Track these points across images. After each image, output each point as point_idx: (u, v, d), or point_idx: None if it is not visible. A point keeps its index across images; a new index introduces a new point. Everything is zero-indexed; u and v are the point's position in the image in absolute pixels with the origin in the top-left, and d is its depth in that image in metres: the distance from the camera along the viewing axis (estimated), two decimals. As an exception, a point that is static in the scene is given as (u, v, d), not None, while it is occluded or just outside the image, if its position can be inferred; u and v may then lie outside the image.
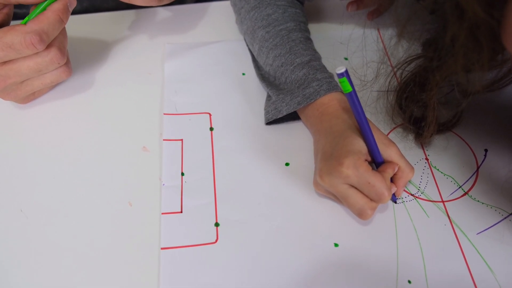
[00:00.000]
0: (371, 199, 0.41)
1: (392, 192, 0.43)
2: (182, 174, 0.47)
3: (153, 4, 0.51)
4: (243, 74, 0.56)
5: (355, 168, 0.40)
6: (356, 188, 0.41)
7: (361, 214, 0.41)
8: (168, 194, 0.46)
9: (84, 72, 0.56)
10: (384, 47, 0.56)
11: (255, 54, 0.54)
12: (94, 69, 0.56)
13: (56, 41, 0.46)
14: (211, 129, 0.51)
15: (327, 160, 0.42)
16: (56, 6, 0.44)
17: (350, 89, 0.38)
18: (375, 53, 0.51)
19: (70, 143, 0.49)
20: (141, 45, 0.59)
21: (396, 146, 0.43)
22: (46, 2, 0.44)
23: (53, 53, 0.45)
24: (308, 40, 0.52)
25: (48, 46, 0.45)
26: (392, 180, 0.43)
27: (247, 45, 0.57)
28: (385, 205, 0.45)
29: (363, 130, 0.41)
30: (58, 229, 0.43)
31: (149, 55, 0.58)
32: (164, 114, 0.52)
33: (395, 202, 0.45)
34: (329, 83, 0.47)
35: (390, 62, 0.53)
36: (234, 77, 0.56)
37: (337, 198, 0.43)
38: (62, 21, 0.45)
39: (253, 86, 0.54)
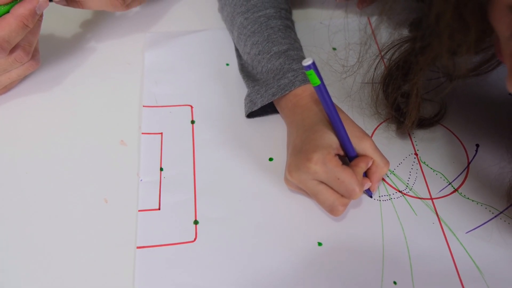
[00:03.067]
0: (341, 195, 0.39)
1: (367, 187, 0.41)
2: (161, 169, 0.45)
3: (119, 9, 0.50)
4: (227, 64, 0.54)
5: (323, 163, 0.38)
6: (326, 184, 0.39)
7: (332, 211, 0.40)
8: (145, 190, 0.44)
9: (60, 63, 0.53)
10: (374, 34, 0.53)
11: (234, 41, 0.52)
12: (70, 59, 0.54)
13: (22, 40, 0.44)
14: (193, 122, 0.49)
15: (296, 155, 0.40)
16: (21, 11, 0.42)
17: (318, 82, 0.36)
18: (360, 36, 0.49)
19: (44, 137, 0.47)
20: (121, 34, 0.57)
21: (371, 139, 0.41)
22: (8, 5, 0.42)
23: (15, 53, 0.44)
24: (288, 28, 0.50)
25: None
26: (366, 174, 0.42)
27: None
28: (371, 202, 0.43)
29: (334, 124, 0.39)
30: (29, 226, 0.41)
31: (129, 45, 0.55)
32: (144, 106, 0.50)
33: (371, 197, 0.44)
34: (305, 74, 0.45)
35: (378, 48, 0.51)
36: (218, 67, 0.54)
37: (308, 194, 0.41)
38: (27, 26, 0.43)
39: (237, 77, 0.52)
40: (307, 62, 0.34)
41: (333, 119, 0.39)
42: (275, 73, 0.46)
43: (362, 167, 0.40)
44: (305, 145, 0.40)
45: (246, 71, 0.50)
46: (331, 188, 0.39)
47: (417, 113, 0.43)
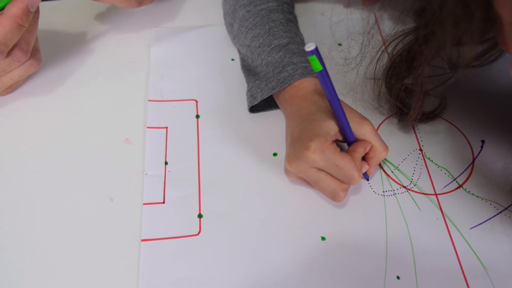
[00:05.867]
0: (341, 181, 0.40)
1: (364, 171, 0.42)
2: (166, 163, 0.45)
3: (133, 6, 0.50)
4: (232, 59, 0.54)
5: (321, 151, 0.38)
6: (325, 171, 0.40)
7: (333, 197, 0.40)
8: (150, 184, 0.44)
9: (65, 62, 0.54)
10: (378, 23, 0.53)
11: (233, 35, 0.53)
12: (75, 58, 0.54)
13: (19, 40, 0.43)
14: (197, 116, 0.49)
15: (294, 145, 0.40)
16: (14, 11, 0.41)
17: (321, 67, 0.36)
18: (363, 25, 0.49)
19: (49, 137, 0.47)
20: (126, 32, 0.57)
21: (371, 124, 0.41)
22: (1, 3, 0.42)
23: (13, 53, 0.43)
24: (290, 22, 0.50)
25: None
26: (364, 158, 0.42)
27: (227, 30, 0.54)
28: (375, 197, 0.43)
29: (335, 110, 0.39)
30: (35, 225, 0.42)
31: (134, 42, 0.56)
32: (149, 100, 0.50)
33: (367, 180, 0.44)
34: (304, 67, 0.45)
35: (382, 38, 0.51)
36: (223, 63, 0.54)
37: (308, 183, 0.42)
38: (22, 26, 0.42)
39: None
40: (310, 47, 0.34)
41: (335, 105, 0.39)
42: (275, 66, 0.46)
43: (360, 152, 0.40)
44: (302, 134, 0.40)
45: (246, 66, 0.50)
46: (331, 175, 0.40)
47: (421, 105, 0.43)
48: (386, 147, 0.42)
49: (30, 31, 0.44)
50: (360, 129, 0.41)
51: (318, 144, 0.38)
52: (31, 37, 0.45)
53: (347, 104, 0.43)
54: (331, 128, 0.40)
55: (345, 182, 0.40)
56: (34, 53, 0.46)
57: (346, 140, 0.41)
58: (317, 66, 0.35)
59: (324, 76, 0.37)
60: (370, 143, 0.41)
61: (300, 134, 0.40)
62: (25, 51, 0.44)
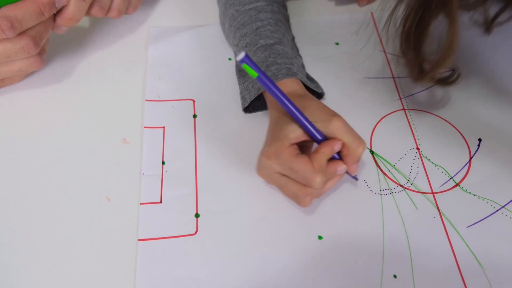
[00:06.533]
0: (304, 185, 0.38)
1: (342, 171, 0.39)
2: (163, 163, 0.45)
3: (114, 16, 0.50)
4: (229, 59, 0.54)
5: (276, 156, 0.38)
6: (287, 176, 0.39)
7: (298, 202, 0.40)
8: (147, 183, 0.44)
9: (62, 62, 0.53)
10: (377, 30, 0.53)
11: (225, 34, 0.53)
12: (72, 58, 0.54)
13: (33, 30, 0.44)
14: (195, 116, 0.49)
15: (261, 152, 0.40)
16: None
17: (256, 74, 0.35)
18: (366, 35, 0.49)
19: (46, 137, 0.47)
20: (124, 31, 0.57)
21: (340, 120, 0.38)
22: None
23: (24, 41, 0.43)
24: (278, 22, 0.49)
25: (22, 34, 0.43)
26: (341, 157, 0.40)
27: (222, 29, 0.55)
28: (371, 196, 0.43)
29: (286, 110, 0.38)
30: (33, 224, 0.42)
31: (131, 41, 0.56)
32: (146, 100, 0.50)
33: (356, 180, 0.44)
34: (288, 69, 0.44)
35: (382, 47, 0.51)
36: (220, 62, 0.54)
37: None
38: (42, 14, 0.43)
39: (240, 71, 0.52)
40: (239, 56, 0.34)
41: (285, 106, 0.37)
42: (259, 66, 0.46)
43: (324, 152, 0.38)
44: (266, 139, 0.40)
45: (238, 66, 0.50)
46: (294, 179, 0.39)
47: (457, 41, 0.39)
48: (361, 142, 0.39)
49: (45, 27, 0.45)
50: (328, 127, 0.38)
51: (272, 148, 0.38)
52: (46, 33, 0.45)
53: (316, 101, 0.41)
54: (292, 130, 0.38)
55: (307, 185, 0.38)
56: (41, 52, 0.47)
57: (315, 141, 0.40)
58: (253, 73, 0.35)
59: (263, 80, 0.36)
60: (339, 140, 0.38)
61: (266, 139, 0.40)
62: (37, 44, 0.44)
